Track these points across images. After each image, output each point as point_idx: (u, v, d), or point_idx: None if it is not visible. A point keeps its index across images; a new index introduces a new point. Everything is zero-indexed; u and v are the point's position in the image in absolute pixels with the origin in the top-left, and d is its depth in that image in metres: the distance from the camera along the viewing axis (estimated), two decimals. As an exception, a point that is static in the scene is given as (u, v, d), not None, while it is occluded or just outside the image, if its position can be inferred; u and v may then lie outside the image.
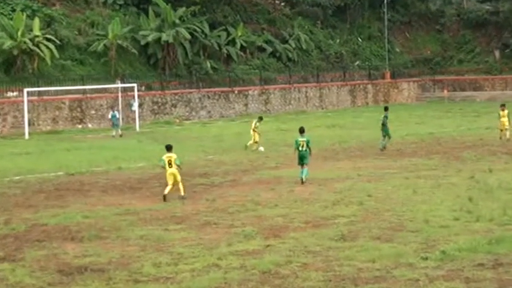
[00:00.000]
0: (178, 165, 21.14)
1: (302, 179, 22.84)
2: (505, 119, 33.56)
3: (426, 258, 12.93)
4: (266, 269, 12.76)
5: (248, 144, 33.54)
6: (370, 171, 25.08)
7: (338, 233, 15.33)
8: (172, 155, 21.14)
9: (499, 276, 11.74)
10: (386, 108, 33.33)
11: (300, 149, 23.16)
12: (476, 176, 22.41)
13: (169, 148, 21.47)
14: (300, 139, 23.35)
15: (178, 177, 21.01)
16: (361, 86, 68.32)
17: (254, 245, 14.65)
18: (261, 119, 35.65)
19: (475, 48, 77.31)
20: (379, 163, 27.52)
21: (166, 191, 20.86)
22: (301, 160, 23.10)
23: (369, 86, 68.90)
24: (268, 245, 14.62)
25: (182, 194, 20.91)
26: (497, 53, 75.54)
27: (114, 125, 43.54)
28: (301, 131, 23.84)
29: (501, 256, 12.89)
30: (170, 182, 20.94)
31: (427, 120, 47.42)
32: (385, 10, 74.07)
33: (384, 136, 31.95)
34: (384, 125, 31.97)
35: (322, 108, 63.41)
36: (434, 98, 70.98)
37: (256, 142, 33.48)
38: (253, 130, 33.72)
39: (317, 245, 14.43)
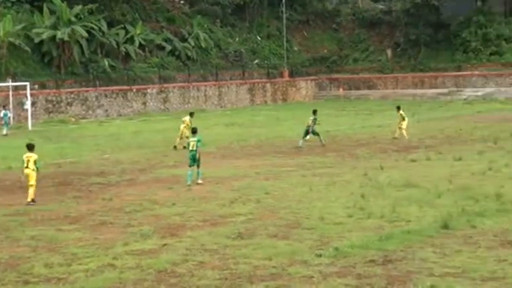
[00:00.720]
0: (36, 168, 19.82)
1: (189, 182, 22.24)
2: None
3: (320, 255, 13.14)
4: (162, 268, 12.70)
5: (177, 143, 32.57)
6: (268, 169, 25.32)
7: (235, 231, 15.41)
8: (33, 155, 19.92)
9: (388, 273, 12.06)
10: (314, 112, 33.42)
11: (191, 149, 22.64)
12: (368, 174, 22.95)
13: (30, 147, 20.20)
14: (192, 139, 22.98)
15: (32, 181, 19.65)
16: (260, 85, 68.92)
17: (150, 244, 14.54)
18: (191, 114, 34.86)
19: (369, 47, 79.19)
20: (277, 161, 27.82)
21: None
22: (193, 161, 22.59)
23: (268, 85, 69.59)
24: (164, 244, 14.54)
25: (29, 199, 19.49)
26: (389, 52, 77.69)
27: (5, 123, 42.50)
28: (193, 131, 23.50)
29: (390, 252, 13.27)
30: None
31: (324, 119, 47.98)
32: (283, 9, 74.96)
33: (305, 136, 32.41)
34: (310, 127, 32.44)
35: (221, 107, 63.59)
36: (331, 96, 72.43)
37: (187, 137, 32.16)
38: (185, 127, 32.67)
39: (214, 244, 14.45)
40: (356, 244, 13.83)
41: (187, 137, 31.63)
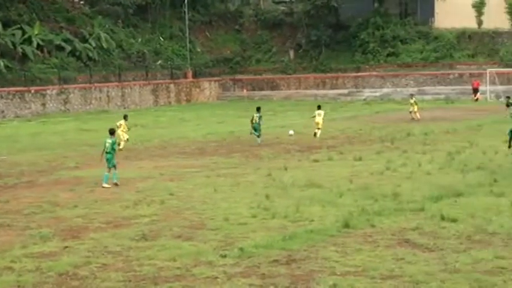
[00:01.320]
0: None
1: (105, 184, 22.06)
2: (319, 118, 35.42)
3: (225, 256, 13.23)
4: (63, 271, 12.51)
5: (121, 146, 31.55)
6: (172, 170, 25.24)
7: (139, 233, 15.31)
8: None
9: (292, 272, 12.25)
10: (258, 109, 34.29)
11: (107, 151, 22.51)
12: (272, 174, 23.22)
13: None
14: (108, 140, 22.67)
15: None
16: (163, 85, 68.50)
17: (51, 247, 14.30)
18: (125, 117, 34.63)
19: (272, 48, 79.95)
20: (181, 162, 27.76)
21: None
22: (108, 163, 22.39)
23: (171, 86, 69.26)
24: (66, 247, 14.31)
25: None
26: (291, 53, 78.68)
27: None
28: (111, 132, 23.26)
29: (294, 252, 13.48)
30: None
31: (228, 119, 48.49)
32: (186, 10, 74.72)
33: (257, 132, 33.50)
34: (257, 124, 33.48)
35: (125, 108, 62.76)
36: (235, 97, 72.78)
37: (126, 140, 32.72)
38: (122, 130, 32.77)
39: (117, 245, 14.32)
40: (260, 244, 13.98)
41: (127, 140, 32.77)
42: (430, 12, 76.08)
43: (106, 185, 21.98)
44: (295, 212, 16.95)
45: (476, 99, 60.06)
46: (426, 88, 67.58)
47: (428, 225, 15.22)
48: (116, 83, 64.10)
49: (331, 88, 72.21)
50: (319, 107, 36.74)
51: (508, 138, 26.79)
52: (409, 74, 70.19)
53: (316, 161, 26.51)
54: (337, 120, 43.83)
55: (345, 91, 70.44)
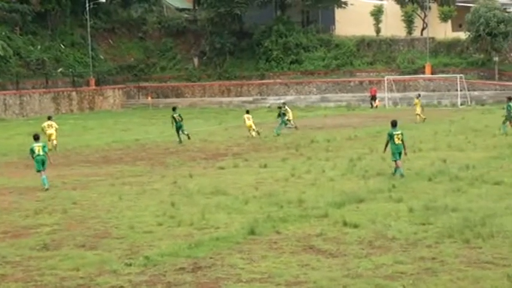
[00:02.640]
0: None
1: (47, 186, 22.56)
2: (249, 122, 38.72)
3: (130, 265, 13.09)
4: (-41, 284, 12.10)
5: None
6: (76, 179, 24.78)
7: (40, 243, 14.97)
8: None
9: (198, 280, 12.23)
10: (174, 109, 38.70)
11: (37, 153, 22.93)
12: (178, 181, 23.15)
13: None
14: (36, 144, 23.09)
15: None
16: (65, 93, 67.20)
17: None
18: (49, 118, 37.01)
19: (176, 56, 79.79)
20: (85, 170, 27.28)
21: None
22: (42, 165, 22.84)
23: (74, 93, 68.04)
24: (-41, 259, 13.84)
25: None
26: (196, 61, 78.74)
27: None
28: (36, 137, 23.49)
29: (200, 259, 13.47)
30: None
31: (132, 127, 48.02)
32: (88, 17, 73.56)
33: (178, 132, 36.83)
34: (177, 122, 37.06)
35: (23, 116, 61.20)
36: (139, 104, 72.19)
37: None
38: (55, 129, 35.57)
39: (17, 255, 13.97)
40: (166, 252, 13.91)
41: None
42: (331, 20, 77.79)
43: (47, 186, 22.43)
44: (201, 220, 16.94)
45: (376, 106, 61.69)
46: (328, 95, 68.98)
47: (332, 231, 15.51)
48: (14, 91, 62.43)
49: (236, 95, 72.67)
50: (247, 112, 40.05)
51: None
52: (312, 81, 71.45)
53: (221, 168, 26.58)
54: (243, 127, 44.02)
55: (250, 98, 71.00)
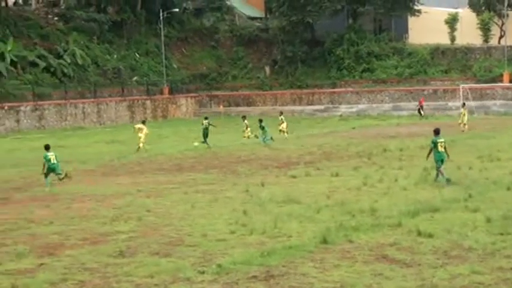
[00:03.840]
0: None
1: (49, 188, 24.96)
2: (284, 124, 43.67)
3: (203, 272, 13.16)
4: (39, 288, 12.39)
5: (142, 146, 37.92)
6: (150, 187, 25.13)
7: (116, 250, 15.20)
8: None
9: (271, 288, 12.28)
10: (206, 118, 41.91)
11: (52, 162, 25.19)
12: (250, 190, 23.20)
13: None
14: (51, 154, 25.35)
15: None
16: (139, 102, 68.42)
17: (26, 264, 14.14)
18: (143, 122, 40.66)
19: (248, 64, 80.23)
20: (159, 178, 27.66)
21: None
22: (58, 169, 25.41)
23: (148, 102, 69.18)
24: (42, 264, 14.16)
25: None
26: (267, 69, 79.01)
27: None
28: (47, 147, 25.51)
29: (272, 268, 13.45)
30: None
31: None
32: (161, 26, 74.81)
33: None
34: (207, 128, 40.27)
35: (101, 124, 62.63)
36: (211, 113, 72.74)
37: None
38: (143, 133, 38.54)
39: (95, 262, 14.21)
40: (238, 260, 13.93)
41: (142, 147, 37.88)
42: (404, 28, 76.97)
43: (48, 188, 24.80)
44: (273, 228, 16.94)
45: (423, 116, 60.69)
46: (401, 104, 68.15)
47: (406, 241, 15.30)
48: (92, 99, 63.96)
49: (308, 104, 72.58)
50: (281, 113, 45.06)
51: None
52: (384, 89, 70.76)
53: (293, 176, 26.55)
54: (314, 136, 43.98)
55: (321, 107, 70.80)
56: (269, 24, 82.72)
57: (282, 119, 45.34)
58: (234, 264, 13.67)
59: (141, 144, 38.25)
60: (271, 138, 40.67)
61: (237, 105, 75.08)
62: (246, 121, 44.18)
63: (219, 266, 13.53)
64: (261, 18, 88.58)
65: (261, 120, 41.46)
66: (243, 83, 78.18)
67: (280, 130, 44.52)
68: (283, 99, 74.49)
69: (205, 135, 40.80)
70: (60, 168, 25.71)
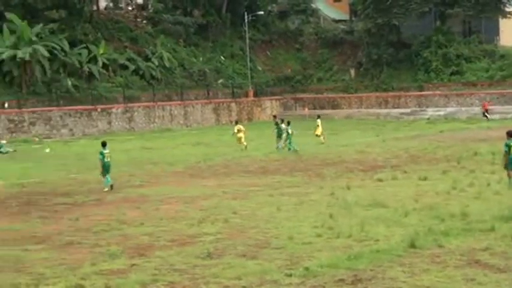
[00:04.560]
0: None
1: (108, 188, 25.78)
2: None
3: (290, 275, 13.14)
4: (132, 289, 12.62)
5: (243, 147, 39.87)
6: (236, 189, 25.30)
7: (204, 251, 15.34)
8: None
9: (358, 291, 12.15)
10: (275, 117, 42.68)
11: (106, 160, 26.11)
12: (336, 193, 23.05)
13: None
14: (106, 151, 26.31)
15: None
16: (225, 104, 69.06)
17: (119, 264, 14.43)
18: (236, 123, 42.76)
19: (333, 67, 79.89)
20: (244, 180, 27.82)
21: None
22: (110, 168, 26.23)
23: (233, 104, 69.75)
24: (133, 264, 14.44)
25: None
26: (352, 72, 78.45)
27: None
28: (104, 144, 26.60)
29: (360, 272, 13.32)
30: None
31: (304, 139, 48.40)
32: (246, 29, 75.32)
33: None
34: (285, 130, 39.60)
35: (187, 126, 63.55)
36: (296, 115, 72.69)
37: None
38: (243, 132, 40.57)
39: (183, 263, 14.38)
40: (325, 263, 13.85)
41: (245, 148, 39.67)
42: (495, 30, 75.01)
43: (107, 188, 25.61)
44: (360, 232, 16.78)
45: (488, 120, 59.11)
46: (492, 107, 66.35)
47: (499, 246, 14.88)
48: (179, 102, 64.99)
49: (394, 107, 71.66)
50: (318, 117, 45.35)
51: None
52: (475, 93, 69.05)
53: (380, 180, 26.23)
54: (401, 139, 43.36)
55: (408, 110, 69.78)
56: (354, 27, 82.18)
57: (318, 123, 44.32)
58: (321, 267, 13.61)
59: (245, 143, 40.13)
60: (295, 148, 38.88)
61: (322, 107, 74.81)
62: (319, 120, 44.59)
63: (306, 269, 13.49)
64: (345, 21, 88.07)
65: (288, 123, 40.32)
66: (327, 85, 77.89)
67: (316, 135, 43.88)
68: (368, 101, 73.81)
69: (281, 136, 40.31)
70: (110, 170, 26.31)
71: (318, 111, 72.88)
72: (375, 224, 17.72)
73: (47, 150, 41.46)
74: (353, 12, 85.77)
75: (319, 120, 44.68)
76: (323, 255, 14.64)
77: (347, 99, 75.14)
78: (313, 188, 25.07)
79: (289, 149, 38.49)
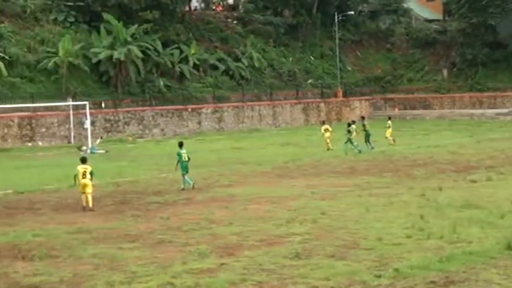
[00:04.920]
0: (91, 176, 22.48)
1: (192, 184, 26.32)
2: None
3: (379, 276, 13.00)
4: (220, 288, 12.71)
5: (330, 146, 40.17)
6: (324, 189, 25.19)
7: (292, 251, 15.32)
8: (87, 167, 22.64)
9: (450, 294, 11.90)
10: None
11: (183, 160, 26.57)
12: (426, 194, 22.67)
13: (83, 160, 23.14)
14: (183, 151, 26.73)
15: (89, 189, 22.32)
16: (314, 104, 68.85)
17: (209, 264, 14.56)
18: (323, 123, 43.65)
19: (424, 67, 78.57)
20: (333, 181, 27.68)
21: (83, 203, 22.26)
22: (187, 170, 26.57)
23: (322, 105, 69.47)
24: (222, 264, 14.54)
25: (90, 205, 22.15)
26: (445, 72, 76.90)
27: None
28: (181, 144, 27.35)
29: (452, 273, 13.04)
30: (81, 191, 22.41)
31: (379, 139, 47.74)
32: (336, 29, 74.92)
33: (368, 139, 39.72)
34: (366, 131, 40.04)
35: (276, 126, 63.70)
36: (386, 116, 71.77)
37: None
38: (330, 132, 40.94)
39: (271, 263, 14.40)
40: (416, 265, 13.63)
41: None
42: None
43: (188, 185, 26.18)
44: (452, 233, 16.42)
45: None
46: None
47: None
48: (268, 102, 65.19)
49: (489, 107, 69.77)
50: (389, 118, 45.03)
51: None
52: None
53: (473, 181, 25.60)
54: (496, 140, 42.22)
55: (504, 110, 67.74)
56: (447, 27, 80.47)
57: (389, 124, 43.37)
58: (411, 268, 13.40)
59: (329, 144, 39.95)
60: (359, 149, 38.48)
61: (413, 108, 73.66)
62: (389, 121, 43.91)
63: (396, 270, 13.31)
64: (438, 21, 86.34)
65: (350, 124, 40.17)
66: (418, 85, 76.62)
67: (386, 137, 42.87)
68: (461, 102, 72.19)
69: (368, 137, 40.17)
70: (189, 170, 26.66)
71: (409, 112, 72.09)
72: (467, 225, 17.34)
73: (101, 151, 42.72)
74: (446, 12, 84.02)
75: (389, 122, 43.91)
76: (413, 257, 14.41)
77: (439, 99, 73.72)
78: (403, 188, 24.72)
79: (345, 152, 38.30)
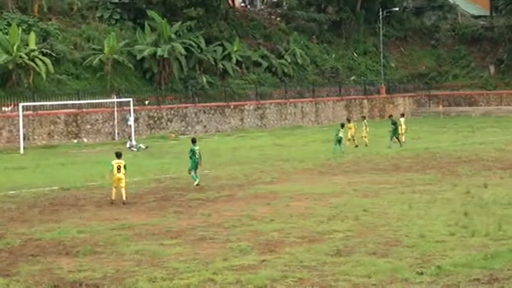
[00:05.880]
0: (125, 170, 23.24)
1: (198, 181, 26.40)
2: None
3: (422, 273, 12.88)
4: (262, 284, 12.67)
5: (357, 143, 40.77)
6: (366, 186, 25.04)
7: (334, 248, 15.28)
8: (121, 162, 23.38)
9: (495, 291, 11.73)
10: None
11: (197, 156, 26.59)
12: (471, 191, 22.41)
13: (118, 155, 23.84)
14: (196, 148, 26.69)
15: (123, 183, 23.14)
16: (356, 101, 68.44)
17: (250, 260, 14.58)
18: (349, 120, 43.24)
19: (470, 64, 77.55)
20: (375, 178, 27.48)
21: (113, 197, 23.03)
22: (196, 166, 26.70)
23: (365, 101, 69.03)
24: (263, 260, 14.54)
25: (124, 199, 22.89)
26: (492, 68, 75.78)
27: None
28: (194, 141, 27.37)
29: (496, 271, 12.86)
30: (115, 185, 23.12)
31: (423, 135, 47.47)
32: (381, 25, 74.36)
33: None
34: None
35: (318, 123, 63.48)
36: (430, 113, 71.17)
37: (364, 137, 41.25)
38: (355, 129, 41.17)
39: (313, 260, 14.36)
40: (459, 262, 13.49)
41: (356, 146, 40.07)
42: None
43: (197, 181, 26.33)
44: (497, 231, 16.18)
45: None
46: None
47: None
48: (310, 99, 64.98)
49: (537, 105, 68.58)
50: (402, 115, 44.53)
51: None
52: None
53: (520, 178, 25.22)
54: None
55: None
56: (495, 23, 79.24)
57: (401, 122, 42.15)
58: (454, 266, 13.26)
59: (347, 143, 39.76)
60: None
61: (458, 105, 72.76)
62: (402, 119, 43.16)
63: (439, 267, 13.18)
64: (485, 17, 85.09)
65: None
66: (464, 82, 75.65)
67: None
68: (509, 98, 71.05)
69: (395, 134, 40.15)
70: (198, 166, 26.73)
71: (453, 108, 71.20)
72: (513, 223, 17.05)
73: (142, 146, 43.49)
74: (494, 8, 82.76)
75: (402, 119, 42.84)
76: (456, 254, 14.26)
77: (485, 96, 72.70)
78: (447, 185, 24.45)
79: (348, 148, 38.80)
